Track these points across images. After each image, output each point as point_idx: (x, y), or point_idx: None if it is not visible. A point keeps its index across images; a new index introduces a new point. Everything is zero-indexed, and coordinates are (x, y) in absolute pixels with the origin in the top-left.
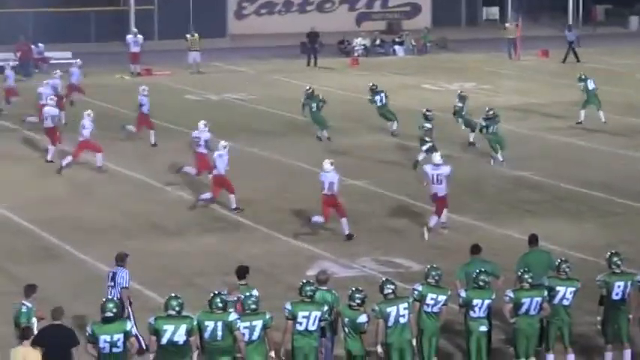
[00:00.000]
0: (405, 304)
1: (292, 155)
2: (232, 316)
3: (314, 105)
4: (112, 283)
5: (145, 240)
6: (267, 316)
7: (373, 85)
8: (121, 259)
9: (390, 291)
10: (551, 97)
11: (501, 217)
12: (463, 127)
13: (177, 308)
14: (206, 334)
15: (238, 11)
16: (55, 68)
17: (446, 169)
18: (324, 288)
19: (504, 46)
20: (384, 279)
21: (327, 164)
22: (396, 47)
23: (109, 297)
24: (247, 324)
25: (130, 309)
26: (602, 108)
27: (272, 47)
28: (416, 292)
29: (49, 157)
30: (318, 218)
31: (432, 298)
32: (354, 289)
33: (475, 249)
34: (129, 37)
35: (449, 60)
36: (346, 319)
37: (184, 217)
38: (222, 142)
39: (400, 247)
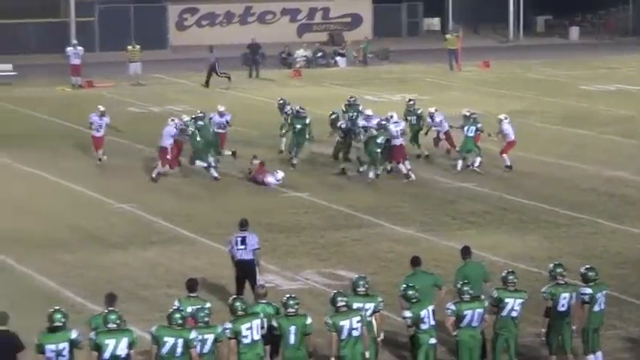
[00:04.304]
0: (358, 317)
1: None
2: (193, 334)
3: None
4: (243, 247)
5: (87, 252)
6: (219, 330)
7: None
8: (246, 224)
9: (343, 303)
10: (491, 107)
11: (444, 228)
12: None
13: (117, 321)
14: (164, 349)
15: (180, 22)
16: None
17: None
18: (264, 301)
19: (446, 57)
20: (335, 291)
21: None
22: (338, 58)
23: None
24: (200, 337)
25: (258, 268)
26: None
27: None
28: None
29: None
30: None
31: (357, 307)
32: (287, 297)
33: (415, 261)
34: (69, 48)
35: (390, 71)
36: (292, 327)
37: (126, 230)
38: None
39: (343, 259)
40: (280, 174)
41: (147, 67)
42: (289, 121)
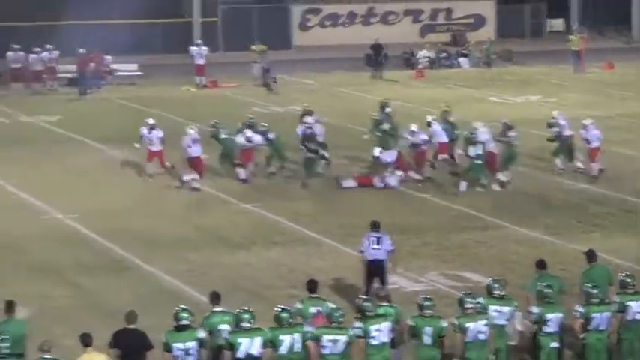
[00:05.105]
0: (485, 320)
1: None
2: (305, 327)
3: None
4: (379, 246)
5: (211, 252)
6: (351, 332)
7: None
8: (379, 226)
9: (471, 305)
10: (615, 109)
11: (569, 231)
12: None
13: (251, 320)
14: (283, 349)
15: (302, 23)
16: (120, 80)
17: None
18: (386, 304)
19: (569, 59)
20: (463, 292)
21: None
22: (461, 59)
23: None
24: (331, 337)
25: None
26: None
27: (336, 59)
28: (479, 305)
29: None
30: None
31: (495, 310)
32: (422, 297)
33: (541, 264)
34: (193, 48)
35: (514, 72)
36: (427, 328)
37: (249, 230)
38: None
39: (468, 260)
40: (398, 173)
41: (271, 68)
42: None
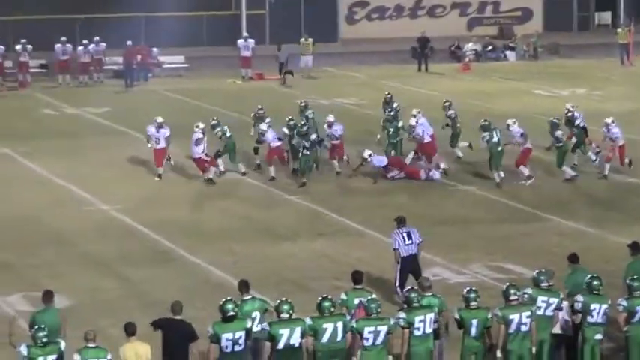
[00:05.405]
0: (528, 312)
1: None
2: (347, 317)
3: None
4: (411, 241)
5: (255, 243)
6: (392, 322)
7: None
8: (405, 220)
9: (516, 297)
10: None
11: (612, 223)
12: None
13: (290, 311)
14: (325, 338)
15: (349, 16)
16: (167, 72)
17: None
18: (429, 294)
19: (616, 52)
20: (507, 284)
21: None
22: (508, 52)
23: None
24: (372, 328)
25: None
26: None
27: (383, 52)
28: (526, 296)
29: None
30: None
31: (542, 301)
32: (467, 289)
33: (574, 257)
34: (240, 41)
35: (561, 65)
36: (474, 320)
37: (294, 221)
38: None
39: (511, 252)
40: (442, 165)
41: (317, 60)
42: None
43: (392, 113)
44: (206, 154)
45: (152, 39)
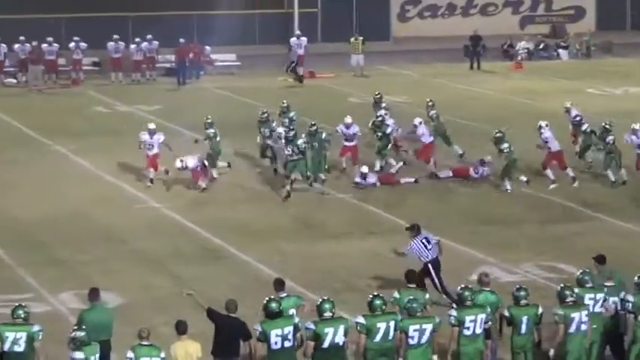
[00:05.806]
0: (586, 311)
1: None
2: (399, 316)
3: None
4: (430, 245)
5: (305, 242)
6: (437, 320)
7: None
8: (419, 227)
9: (573, 298)
10: None
11: None
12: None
13: (332, 310)
14: (377, 337)
15: (401, 14)
16: (219, 70)
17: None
18: (487, 289)
19: None
20: (561, 285)
21: None
22: (560, 51)
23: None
24: (417, 327)
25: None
26: None
27: (435, 50)
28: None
29: None
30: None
31: (590, 299)
32: (517, 287)
33: (601, 259)
34: (292, 39)
35: (614, 64)
36: (524, 317)
37: (344, 220)
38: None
39: (563, 252)
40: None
41: (369, 59)
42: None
43: (379, 118)
44: (203, 164)
45: (204, 37)
